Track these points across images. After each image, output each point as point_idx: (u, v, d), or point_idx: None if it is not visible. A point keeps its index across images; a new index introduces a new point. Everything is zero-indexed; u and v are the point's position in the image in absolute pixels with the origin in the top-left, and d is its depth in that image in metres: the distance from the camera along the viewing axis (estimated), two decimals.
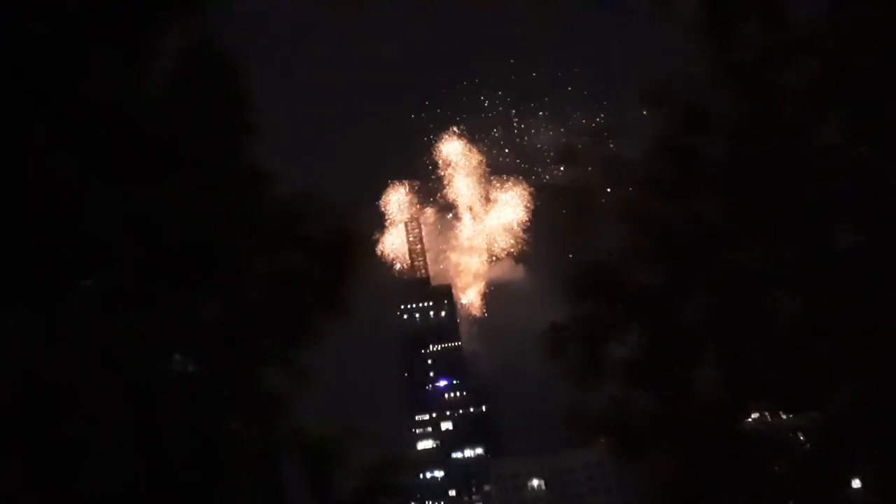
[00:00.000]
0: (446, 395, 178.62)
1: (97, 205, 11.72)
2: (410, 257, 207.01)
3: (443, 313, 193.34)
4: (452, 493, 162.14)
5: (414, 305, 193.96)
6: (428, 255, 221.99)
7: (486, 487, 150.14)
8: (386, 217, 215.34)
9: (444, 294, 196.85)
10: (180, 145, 12.80)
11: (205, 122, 13.19)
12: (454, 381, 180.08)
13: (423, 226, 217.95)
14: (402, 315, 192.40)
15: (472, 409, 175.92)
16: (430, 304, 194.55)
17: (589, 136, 19.32)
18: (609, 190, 18.60)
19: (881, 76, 15.42)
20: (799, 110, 16.47)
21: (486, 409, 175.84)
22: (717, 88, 17.37)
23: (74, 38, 11.43)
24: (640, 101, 18.30)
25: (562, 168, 19.51)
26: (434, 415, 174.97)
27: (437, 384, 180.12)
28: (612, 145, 19.23)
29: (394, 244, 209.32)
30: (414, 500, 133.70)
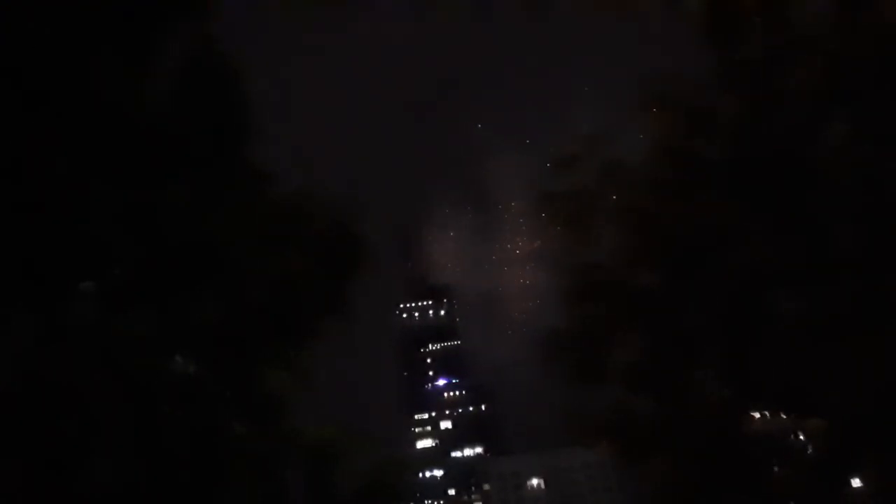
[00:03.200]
0: (446, 394, 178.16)
1: (98, 206, 11.70)
2: (410, 258, 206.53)
3: (442, 312, 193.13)
4: (452, 491, 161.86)
5: (413, 304, 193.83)
6: (471, 264, 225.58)
7: (486, 486, 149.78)
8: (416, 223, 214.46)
9: (444, 293, 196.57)
10: (182, 147, 12.77)
11: (207, 123, 13.18)
12: (453, 380, 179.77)
13: (460, 235, 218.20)
14: (401, 314, 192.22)
15: (471, 408, 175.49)
16: (430, 302, 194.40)
17: (589, 141, 19.05)
18: (609, 193, 18.54)
19: (883, 76, 15.40)
20: (801, 110, 16.45)
21: (485, 408, 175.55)
22: (719, 89, 17.34)
23: (76, 41, 11.40)
24: (640, 104, 18.22)
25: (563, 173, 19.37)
26: (433, 414, 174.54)
27: (437, 383, 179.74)
28: (611, 149, 19.13)
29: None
30: (413, 499, 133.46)
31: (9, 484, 10.95)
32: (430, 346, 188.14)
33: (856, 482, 17.67)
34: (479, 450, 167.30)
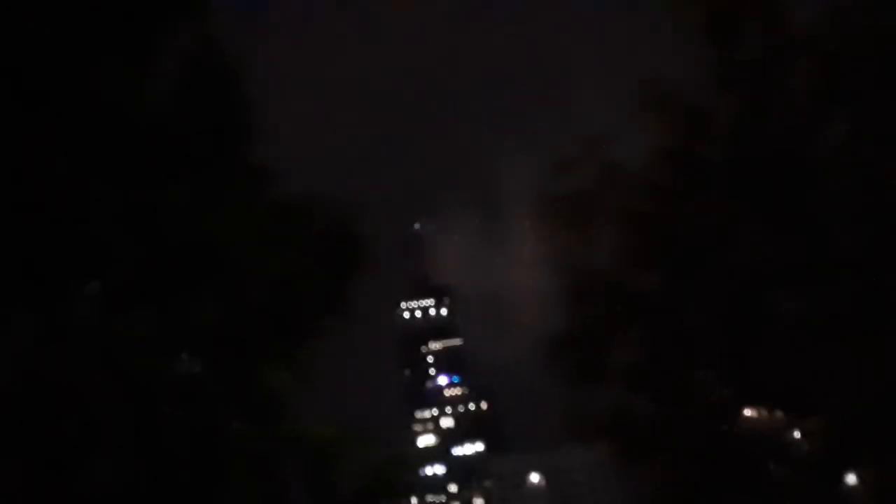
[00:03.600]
0: (447, 393, 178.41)
1: (99, 206, 11.72)
2: (412, 257, 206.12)
3: (443, 311, 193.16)
4: (453, 488, 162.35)
5: (415, 303, 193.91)
6: (472, 264, 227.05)
7: (487, 484, 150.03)
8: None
9: (445, 292, 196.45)
10: (182, 147, 12.78)
11: (207, 123, 13.18)
12: (455, 379, 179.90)
13: (462, 234, 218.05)
14: (402, 312, 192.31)
15: (472, 407, 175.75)
16: (431, 301, 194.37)
17: (589, 142, 18.92)
18: (609, 195, 18.52)
19: (882, 77, 15.38)
20: (801, 111, 16.42)
21: (486, 406, 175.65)
22: (719, 91, 17.30)
23: (78, 41, 11.41)
24: (640, 107, 18.15)
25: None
26: (435, 412, 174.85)
27: (438, 381, 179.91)
28: (611, 150, 19.07)
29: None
30: (415, 496, 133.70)
31: (9, 484, 10.98)
32: (431, 344, 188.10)
33: (854, 482, 17.69)
34: (480, 448, 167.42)
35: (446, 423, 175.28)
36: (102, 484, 11.38)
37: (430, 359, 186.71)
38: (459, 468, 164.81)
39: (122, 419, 11.74)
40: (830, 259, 16.02)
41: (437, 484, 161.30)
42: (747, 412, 18.24)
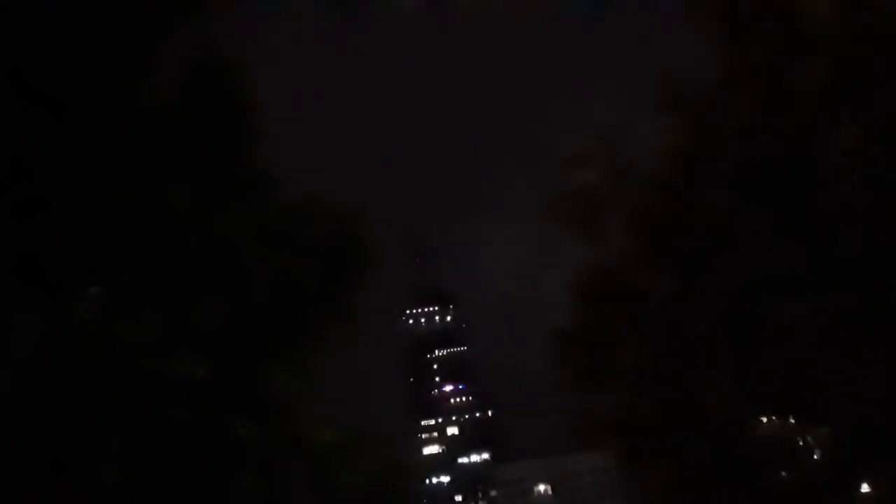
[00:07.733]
0: (452, 400, 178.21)
1: (104, 207, 11.74)
2: (417, 262, 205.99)
3: (448, 318, 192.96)
4: (458, 498, 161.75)
5: (420, 310, 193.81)
6: (478, 268, 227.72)
7: (493, 492, 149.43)
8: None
9: (451, 298, 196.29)
10: (187, 149, 12.81)
11: (211, 126, 13.22)
12: (460, 386, 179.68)
13: (469, 238, 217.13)
14: (408, 319, 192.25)
15: (477, 414, 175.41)
16: (437, 307, 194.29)
17: (601, 141, 18.95)
18: (620, 195, 18.49)
19: (891, 78, 15.30)
20: (810, 112, 16.34)
21: (491, 413, 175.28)
22: (730, 92, 17.24)
23: (82, 41, 11.45)
24: (653, 107, 18.11)
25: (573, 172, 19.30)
26: (440, 420, 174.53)
27: (443, 389, 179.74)
28: (623, 150, 19.05)
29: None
30: None
31: (14, 485, 10.97)
32: (436, 351, 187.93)
33: (864, 488, 17.52)
34: (485, 456, 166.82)
35: (451, 430, 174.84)
36: (107, 486, 11.36)
37: (435, 366, 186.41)
38: (465, 477, 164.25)
39: (126, 421, 11.72)
40: (839, 264, 15.91)
41: (443, 493, 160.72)
42: (755, 417, 18.11)
